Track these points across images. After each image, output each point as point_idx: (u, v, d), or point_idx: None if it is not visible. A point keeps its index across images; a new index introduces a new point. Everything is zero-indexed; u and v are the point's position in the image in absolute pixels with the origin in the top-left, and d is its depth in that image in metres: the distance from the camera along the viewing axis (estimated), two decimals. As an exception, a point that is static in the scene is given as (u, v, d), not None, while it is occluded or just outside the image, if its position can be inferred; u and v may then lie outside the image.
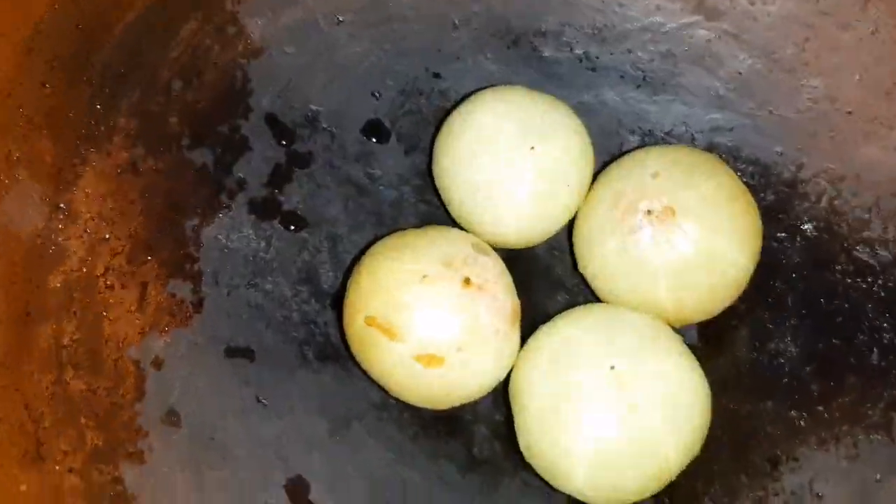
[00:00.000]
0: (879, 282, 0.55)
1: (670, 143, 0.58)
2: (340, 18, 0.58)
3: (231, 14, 0.55)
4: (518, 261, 0.57)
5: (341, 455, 0.53)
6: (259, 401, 0.53)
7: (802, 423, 0.54)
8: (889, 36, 0.56)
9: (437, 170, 0.55)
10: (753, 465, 0.53)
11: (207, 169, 0.55)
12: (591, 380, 0.48)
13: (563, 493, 0.51)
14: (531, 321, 0.54)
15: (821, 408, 0.54)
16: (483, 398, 0.54)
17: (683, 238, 0.51)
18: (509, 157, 0.52)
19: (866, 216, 0.56)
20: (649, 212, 0.51)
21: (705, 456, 0.53)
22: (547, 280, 0.57)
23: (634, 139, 0.59)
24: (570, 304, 0.56)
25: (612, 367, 0.48)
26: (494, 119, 0.53)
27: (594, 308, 0.53)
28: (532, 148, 0.52)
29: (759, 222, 0.54)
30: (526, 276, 0.57)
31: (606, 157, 0.57)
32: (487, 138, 0.53)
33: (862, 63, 0.56)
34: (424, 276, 0.49)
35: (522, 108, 0.54)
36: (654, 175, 0.52)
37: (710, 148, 0.58)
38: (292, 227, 0.56)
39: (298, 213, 0.57)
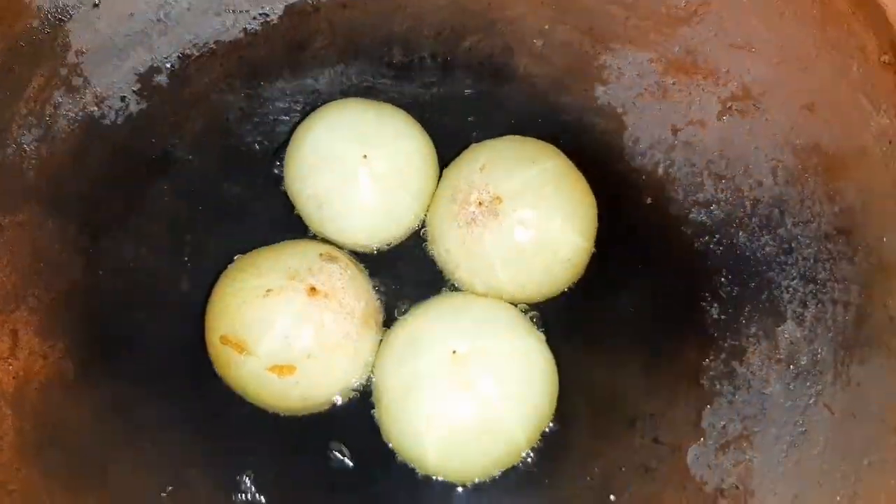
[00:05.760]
0: (715, 239, 0.58)
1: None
2: (186, 53, 0.60)
3: (75, 66, 0.58)
4: (398, 259, 0.59)
5: (226, 469, 0.55)
6: (140, 429, 0.55)
7: (653, 382, 0.56)
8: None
9: (286, 186, 0.58)
10: (613, 427, 0.55)
11: (70, 216, 0.57)
12: (433, 365, 0.51)
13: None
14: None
15: (669, 365, 0.56)
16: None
17: (512, 224, 0.53)
18: (343, 168, 0.55)
19: (699, 179, 0.58)
20: (480, 203, 0.54)
21: (563, 426, 0.55)
22: (424, 275, 0.59)
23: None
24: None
25: (454, 352, 0.51)
26: (328, 132, 0.56)
27: (444, 298, 0.56)
28: (364, 156, 0.55)
29: (592, 200, 0.56)
30: (405, 274, 0.59)
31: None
32: (323, 151, 0.55)
33: (684, 35, 0.59)
34: (269, 291, 0.52)
35: (355, 118, 0.56)
36: (482, 167, 0.55)
37: (553, 134, 0.60)
38: (162, 259, 0.58)
39: (166, 245, 0.58)
